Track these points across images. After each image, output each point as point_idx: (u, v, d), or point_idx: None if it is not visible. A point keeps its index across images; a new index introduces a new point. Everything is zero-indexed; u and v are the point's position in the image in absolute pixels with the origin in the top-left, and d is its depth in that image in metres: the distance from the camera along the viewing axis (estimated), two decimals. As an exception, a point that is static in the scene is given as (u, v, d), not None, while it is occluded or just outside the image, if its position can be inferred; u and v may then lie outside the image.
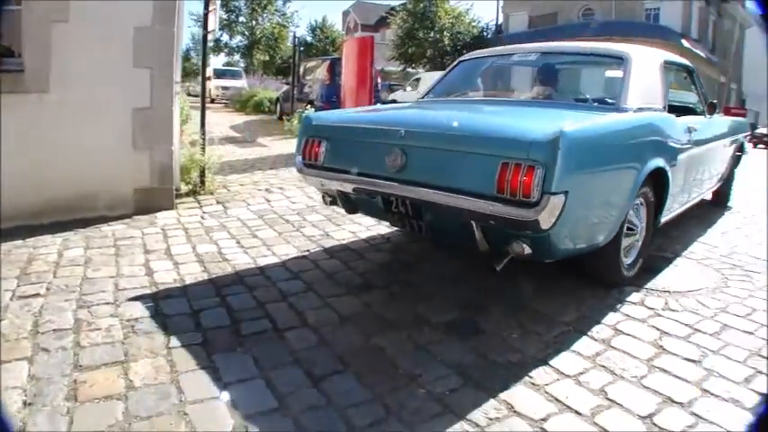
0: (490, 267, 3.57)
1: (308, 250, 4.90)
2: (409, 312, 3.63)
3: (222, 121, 18.42)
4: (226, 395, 2.64)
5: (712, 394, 2.78)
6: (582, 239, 3.66)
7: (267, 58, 37.68)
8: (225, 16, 34.69)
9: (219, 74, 33.46)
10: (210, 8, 7.21)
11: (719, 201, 7.64)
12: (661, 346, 3.27)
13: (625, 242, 4.12)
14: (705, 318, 3.70)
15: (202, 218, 5.92)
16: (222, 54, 39.74)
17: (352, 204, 4.53)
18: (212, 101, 28.96)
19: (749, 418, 2.59)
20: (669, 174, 4.38)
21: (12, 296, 3.73)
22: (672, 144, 4.58)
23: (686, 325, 3.57)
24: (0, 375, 2.75)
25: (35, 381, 2.72)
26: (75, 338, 3.16)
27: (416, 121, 4.25)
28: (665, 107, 4.78)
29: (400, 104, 5.75)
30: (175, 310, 3.57)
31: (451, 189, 3.40)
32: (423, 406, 2.60)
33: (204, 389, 2.69)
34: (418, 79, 21.76)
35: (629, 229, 4.13)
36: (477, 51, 6.46)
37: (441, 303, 3.79)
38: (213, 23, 7.34)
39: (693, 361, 3.11)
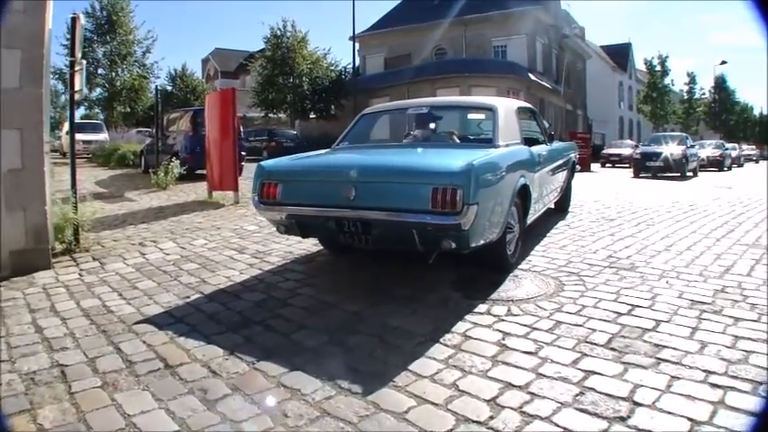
0: (426, 261, 4.96)
1: (188, 296, 5.18)
2: (285, 340, 4.08)
3: (87, 176, 18.05)
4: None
5: (545, 376, 3.39)
6: (485, 235, 4.93)
7: (128, 109, 36.76)
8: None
9: (80, 128, 32.38)
10: (77, 68, 7.21)
11: (561, 208, 9.37)
12: (504, 345, 3.87)
13: (508, 237, 5.59)
14: (542, 318, 4.37)
15: (81, 275, 6.01)
16: (81, 107, 38.25)
17: (306, 230, 5.61)
18: (74, 156, 28.09)
19: (574, 390, 3.19)
20: (530, 188, 6.01)
21: None
22: (529, 167, 6.19)
23: (525, 325, 4.21)
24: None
25: (-55, 432, 2.91)
26: (-23, 394, 3.29)
27: (362, 163, 5.38)
28: (522, 141, 6.52)
29: (325, 152, 6.70)
30: (72, 360, 3.78)
31: (396, 209, 4.70)
32: (303, 413, 3.04)
33: (110, 423, 2.98)
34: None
35: (508, 227, 5.54)
36: (377, 106, 8.02)
37: (312, 331, 4.24)
38: (80, 83, 7.33)
39: (531, 353, 3.73)
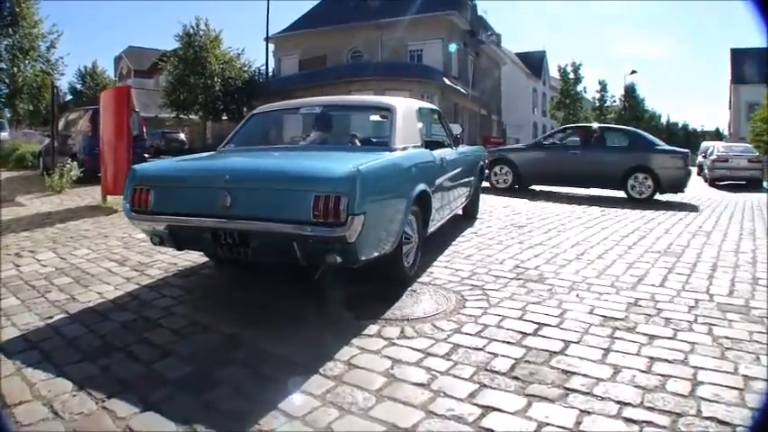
0: (313, 278, 4.72)
1: (51, 317, 4.59)
2: (146, 371, 3.54)
3: (-21, 179, 17.13)
4: None
5: (437, 414, 2.95)
6: (376, 248, 4.57)
7: (31, 108, 34.82)
8: (-18, 63, 31.69)
9: (-22, 126, 31.02)
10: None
11: (469, 214, 9.12)
12: (392, 375, 3.42)
13: (405, 248, 5.20)
14: (438, 341, 3.94)
15: (-60, 292, 5.33)
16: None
17: (181, 242, 5.05)
18: (-28, 157, 26.86)
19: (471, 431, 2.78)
20: (431, 195, 5.62)
21: None
22: (430, 172, 5.88)
23: (419, 350, 3.77)
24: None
25: None
26: None
27: (238, 167, 5.05)
28: (422, 144, 6.17)
29: (208, 154, 6.33)
30: None
31: (274, 219, 4.24)
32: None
33: None
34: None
35: (405, 238, 5.17)
36: (268, 105, 7.34)
37: (178, 359, 3.73)
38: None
39: (422, 384, 3.29)
